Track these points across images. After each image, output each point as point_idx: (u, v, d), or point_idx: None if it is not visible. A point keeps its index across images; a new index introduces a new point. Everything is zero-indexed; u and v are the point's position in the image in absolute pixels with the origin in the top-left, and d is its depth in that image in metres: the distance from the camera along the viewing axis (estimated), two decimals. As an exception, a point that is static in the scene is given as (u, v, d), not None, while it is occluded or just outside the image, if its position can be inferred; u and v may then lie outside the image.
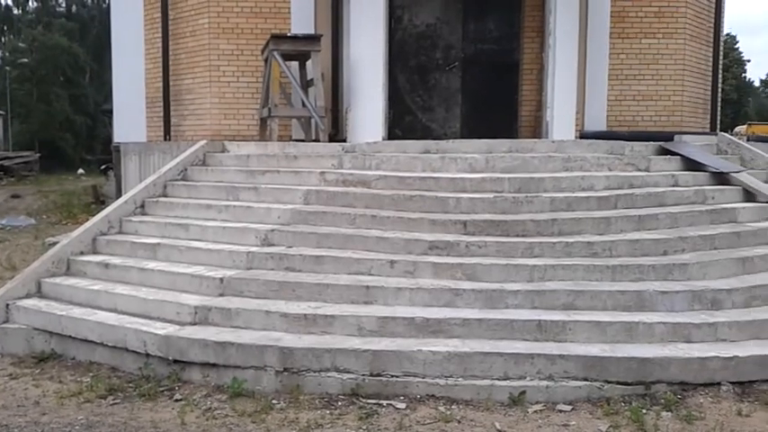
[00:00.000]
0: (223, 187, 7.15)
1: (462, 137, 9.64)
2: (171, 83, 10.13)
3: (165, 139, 10.12)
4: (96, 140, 42.45)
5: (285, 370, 4.58)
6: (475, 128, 9.88)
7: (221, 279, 5.44)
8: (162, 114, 10.21)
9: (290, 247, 5.82)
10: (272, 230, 6.00)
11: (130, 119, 10.67)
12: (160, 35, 10.12)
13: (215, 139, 9.11)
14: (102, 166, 21.33)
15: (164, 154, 9.03)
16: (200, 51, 9.80)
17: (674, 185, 6.91)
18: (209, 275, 5.55)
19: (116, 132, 11.06)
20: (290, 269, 5.54)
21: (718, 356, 4.50)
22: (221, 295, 5.37)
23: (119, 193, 10.42)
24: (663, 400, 4.32)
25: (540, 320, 4.79)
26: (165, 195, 7.50)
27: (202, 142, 8.11)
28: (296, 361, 4.57)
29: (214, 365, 4.76)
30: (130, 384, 4.84)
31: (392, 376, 4.50)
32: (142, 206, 7.30)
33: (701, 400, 4.34)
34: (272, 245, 5.91)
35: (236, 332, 4.91)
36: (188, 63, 9.99)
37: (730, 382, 4.47)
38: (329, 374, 4.53)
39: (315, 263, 5.53)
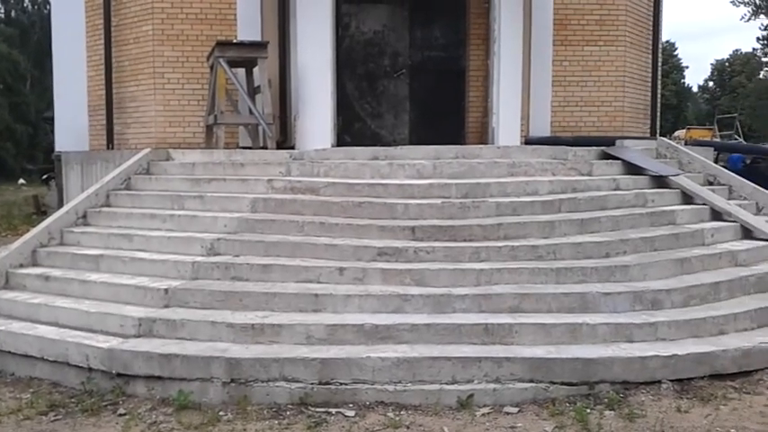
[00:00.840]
0: (168, 196, 7.03)
1: (411, 143, 9.72)
2: (114, 90, 9.95)
3: (108, 148, 9.93)
4: (38, 149, 41.20)
5: (232, 381, 4.53)
6: (423, 134, 9.96)
7: (166, 290, 5.35)
8: (105, 122, 10.02)
9: (237, 256, 5.76)
10: (219, 239, 5.93)
11: (72, 127, 10.44)
12: (102, 42, 9.95)
13: (160, 147, 8.97)
14: (44, 176, 20.73)
15: (107, 163, 8.84)
16: (143, 58, 9.65)
17: (615, 189, 7.07)
18: (154, 286, 5.45)
19: (57, 141, 10.80)
20: (237, 278, 5.48)
21: (658, 355, 4.62)
22: (166, 306, 5.28)
23: (60, 204, 10.14)
24: (606, 400, 4.41)
25: (487, 324, 4.84)
26: (108, 205, 7.34)
27: (146, 150, 7.97)
28: (243, 372, 4.52)
29: (159, 378, 4.67)
30: (72, 400, 4.71)
31: (341, 384, 4.49)
32: (84, 216, 7.12)
33: (643, 399, 4.45)
34: (219, 254, 5.83)
35: (181, 344, 4.83)
36: (131, 70, 9.82)
37: (670, 380, 4.58)
38: (277, 384, 4.49)
39: (262, 271, 5.48)
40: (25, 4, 46.34)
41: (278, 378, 4.50)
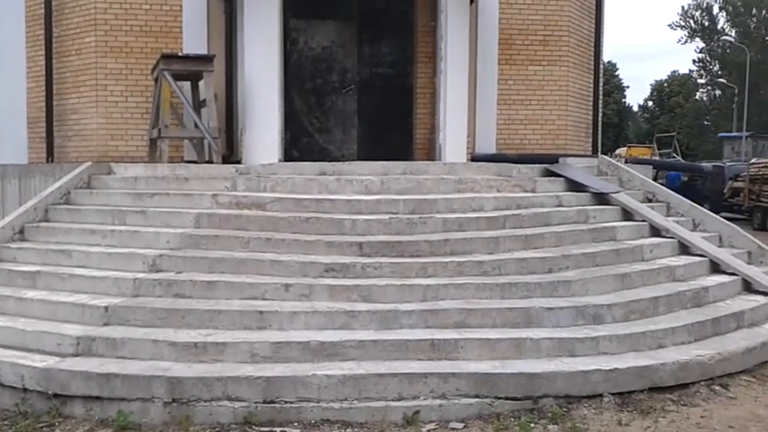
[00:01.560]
0: (109, 211, 6.86)
1: (359, 158, 9.73)
2: (55, 103, 9.68)
3: (48, 161, 9.64)
4: (-26, 161, 39.76)
5: (174, 401, 4.42)
6: (372, 150, 9.98)
7: (106, 307, 5.20)
8: (44, 135, 9.73)
9: (180, 272, 5.64)
10: (161, 256, 5.81)
11: (10, 140, 10.09)
12: (43, 53, 9.67)
13: (102, 160, 8.77)
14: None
15: (46, 176, 8.58)
16: (86, 70, 9.44)
17: (558, 206, 7.22)
18: (93, 304, 5.30)
19: (-5, 153, 10.42)
20: (180, 295, 5.37)
21: (599, 369, 4.71)
22: (106, 324, 5.14)
23: (-4, 218, 9.84)
24: (550, 414, 4.47)
25: (433, 339, 4.86)
26: (47, 220, 7.12)
27: (87, 164, 7.78)
28: (185, 391, 4.42)
29: (98, 398, 4.53)
30: (6, 422, 4.53)
31: (286, 402, 4.43)
32: (21, 232, 6.89)
33: (585, 412, 4.53)
34: (161, 270, 5.71)
35: (121, 363, 4.70)
36: (73, 82, 9.59)
37: (611, 393, 4.68)
38: (221, 403, 4.41)
39: (206, 288, 5.39)
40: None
41: (221, 397, 4.42)
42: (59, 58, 9.68)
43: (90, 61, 9.40)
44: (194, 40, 9.45)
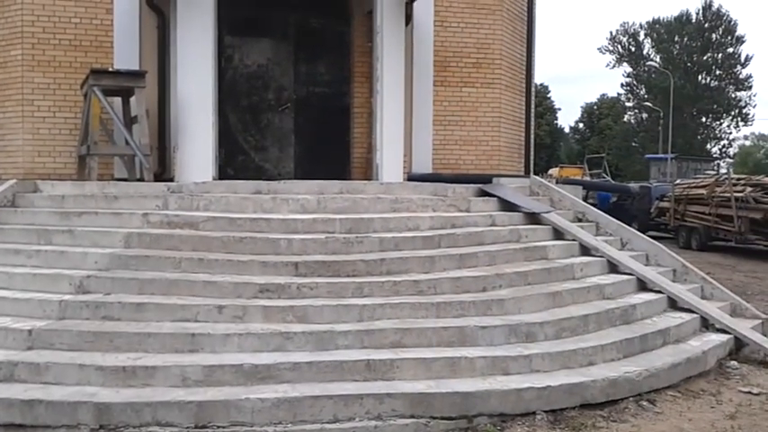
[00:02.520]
0: (34, 230, 6.60)
1: (296, 177, 9.69)
2: (-23, 117, 9.30)
3: (-31, 178, 9.23)
4: None
5: (101, 427, 4.26)
6: (309, 168, 9.96)
7: (30, 331, 4.99)
8: (-34, 151, 9.32)
9: (108, 294, 5.47)
10: (89, 277, 5.61)
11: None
12: (-35, 65, 9.30)
13: (27, 177, 8.46)
14: None
15: (-34, 194, 8.20)
16: (11, 84, 9.11)
17: (491, 225, 7.34)
18: (16, 327, 5.07)
19: None
20: (108, 318, 5.20)
21: (532, 387, 4.78)
22: (30, 348, 4.92)
23: None
24: (484, 432, 4.51)
25: (369, 360, 4.84)
26: (-33, 240, 6.80)
27: (11, 182, 7.49)
28: (113, 417, 4.27)
29: (21, 426, 4.32)
30: None
31: (219, 427, 4.33)
32: (-62, 252, 6.56)
33: (519, 430, 4.58)
34: (88, 292, 5.52)
35: (45, 388, 4.50)
36: (-2, 96, 9.24)
37: (544, 411, 4.75)
38: (150, 429, 4.26)
39: (135, 310, 5.23)
40: None
41: (151, 423, 4.29)
42: (-17, 71, 9.32)
43: (16, 75, 9.09)
44: (126, 55, 9.24)
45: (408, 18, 9.84)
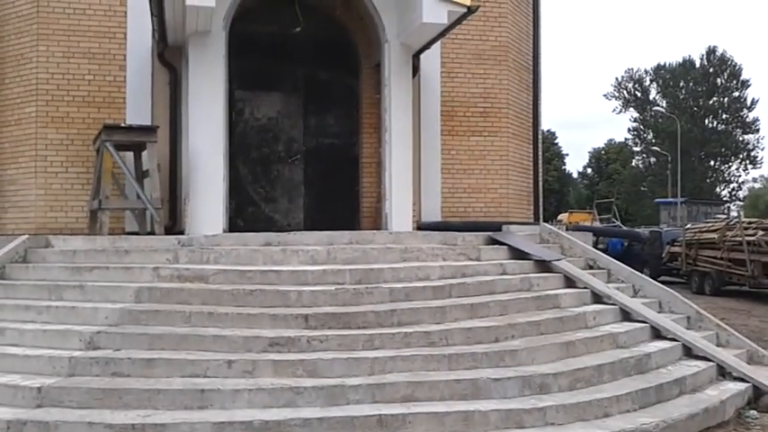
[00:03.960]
0: (45, 286, 6.62)
1: (306, 228, 9.72)
2: (-9, 173, 9.44)
3: (-17, 234, 9.31)
4: None
5: (109, 487, 4.20)
6: (318, 219, 10.00)
7: (39, 388, 4.96)
8: (-21, 207, 9.43)
9: (118, 350, 5.44)
10: (99, 332, 5.60)
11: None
12: (-19, 123, 9.48)
13: (40, 232, 8.53)
14: None
15: (-21, 250, 8.27)
16: (25, 141, 9.27)
17: (502, 274, 7.30)
18: (26, 385, 5.04)
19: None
20: (118, 374, 5.16)
21: (548, 440, 4.68)
22: (39, 406, 4.88)
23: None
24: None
25: (380, 415, 4.77)
26: (-21, 296, 6.82)
27: (23, 237, 7.55)
28: (122, 476, 4.21)
29: (27, 487, 4.27)
30: None
31: (228, 485, 4.26)
32: (-50, 308, 6.58)
33: (535, 486, 4.47)
34: (98, 348, 5.50)
35: (54, 448, 4.46)
36: (12, 152, 9.39)
37: (560, 465, 4.65)
38: (159, 489, 4.20)
39: (145, 366, 5.20)
40: None
41: (160, 482, 4.22)
42: (-2, 128, 9.49)
43: (30, 131, 9.25)
44: (138, 110, 9.41)
45: (415, 69, 9.99)
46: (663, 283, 8.60)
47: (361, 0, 9.51)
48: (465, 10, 8.73)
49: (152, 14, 8.49)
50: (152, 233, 8.38)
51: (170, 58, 9.46)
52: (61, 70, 9.30)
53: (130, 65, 9.45)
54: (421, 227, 9.87)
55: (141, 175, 8.75)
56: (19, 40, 9.42)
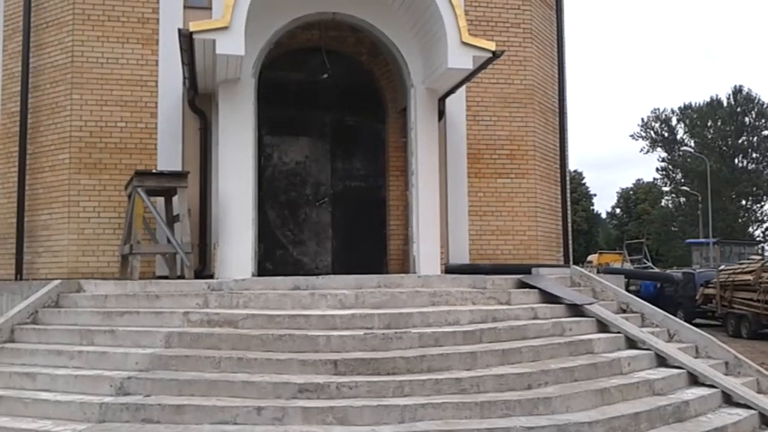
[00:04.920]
0: (77, 331, 6.67)
1: (334, 270, 9.72)
2: (26, 219, 9.62)
3: (17, 278, 9.45)
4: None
5: None
6: (346, 261, 10.00)
7: (69, 435, 4.96)
8: (14, 251, 9.58)
9: (149, 395, 5.43)
10: (129, 378, 5.60)
11: (-22, 255, 9.93)
12: (17, 170, 9.69)
13: (72, 277, 8.64)
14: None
15: (13, 295, 8.39)
16: (59, 186, 9.47)
17: (533, 318, 7.19)
18: (56, 431, 5.04)
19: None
20: (148, 420, 5.14)
21: (585, 492, 4.54)
22: (69, 454, 4.88)
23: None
24: None
25: (412, 464, 4.67)
26: (13, 341, 6.90)
27: (56, 282, 7.64)
28: None
29: None
30: None
31: None
32: (-16, 354, 6.65)
33: None
34: (129, 394, 5.49)
35: (83, 496, 4.42)
36: (46, 198, 9.58)
37: None
38: None
39: (175, 412, 5.17)
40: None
41: None
42: (33, 175, 9.70)
43: (63, 178, 9.45)
44: (169, 156, 9.59)
45: (441, 113, 10.07)
46: (697, 325, 8.41)
47: (387, 46, 9.66)
48: (490, 55, 8.81)
49: (183, 63, 8.69)
50: (182, 277, 8.44)
51: (200, 104, 9.66)
52: (94, 118, 9.52)
53: (162, 112, 9.66)
54: (449, 269, 9.81)
55: (172, 220, 8.85)
56: (54, 89, 9.70)
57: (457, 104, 10.50)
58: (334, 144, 10.35)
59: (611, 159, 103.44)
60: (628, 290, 11.81)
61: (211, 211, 9.45)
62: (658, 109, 65.82)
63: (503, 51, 9.20)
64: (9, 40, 10.16)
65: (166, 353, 5.97)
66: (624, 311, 8.22)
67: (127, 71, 9.64)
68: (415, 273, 9.24)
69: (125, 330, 6.48)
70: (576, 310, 7.56)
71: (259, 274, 8.83)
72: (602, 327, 7.38)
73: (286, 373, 5.67)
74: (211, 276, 8.83)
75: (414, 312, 6.65)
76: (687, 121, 61.68)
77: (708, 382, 6.59)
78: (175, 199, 8.78)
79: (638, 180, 68.84)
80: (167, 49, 9.53)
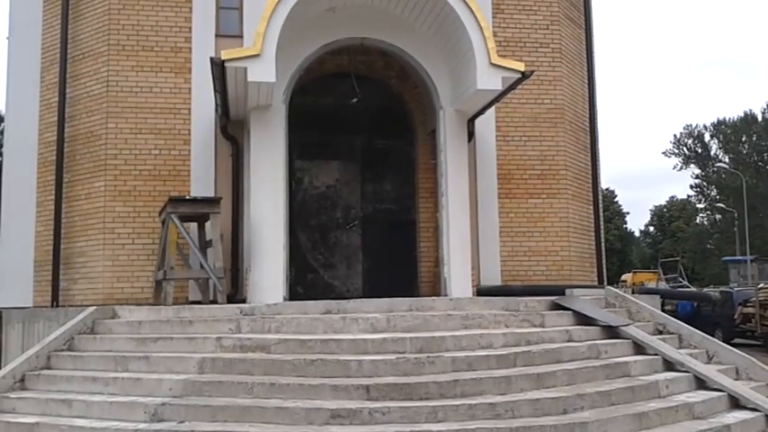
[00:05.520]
0: (112, 357, 6.74)
1: (365, 293, 9.71)
2: (62, 246, 9.80)
3: (53, 304, 9.61)
4: (-22, 301, 39.66)
5: None
6: (377, 284, 9.99)
7: (105, 462, 4.99)
8: (51, 279, 9.75)
9: (182, 422, 5.45)
10: (163, 404, 5.63)
11: (17, 282, 10.13)
12: (53, 198, 9.89)
13: (107, 303, 8.76)
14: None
15: (50, 321, 8.53)
16: (94, 214, 9.63)
17: (568, 341, 7.08)
18: (92, 458, 5.09)
19: (0, 297, 10.38)
20: (182, 447, 5.16)
21: None
22: (104, 481, 4.91)
23: (-2, 361, 9.72)
24: None
25: (446, 491, 4.61)
26: (49, 368, 7.00)
27: (91, 309, 7.74)
28: None
29: None
30: None
31: None
32: (22, 380, 6.75)
33: None
34: (162, 420, 5.52)
35: None
36: (82, 226, 9.75)
37: None
38: None
39: (209, 439, 5.19)
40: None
41: None
42: (69, 203, 9.89)
43: (99, 205, 9.61)
44: (202, 182, 9.72)
45: (470, 134, 10.06)
46: (736, 346, 8.20)
47: (416, 70, 9.71)
48: (519, 76, 8.80)
49: (215, 91, 8.83)
50: (214, 302, 8.50)
51: (232, 131, 9.78)
52: (129, 146, 9.70)
53: (195, 139, 9.81)
54: (481, 291, 9.73)
55: (205, 245, 8.94)
56: (89, 119, 9.92)
57: (486, 125, 10.49)
58: (364, 167, 10.40)
59: (644, 177, 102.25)
60: (664, 309, 11.59)
61: (243, 236, 9.53)
62: (691, 125, 64.99)
63: (532, 72, 9.19)
64: (46, 71, 10.43)
65: (200, 379, 6.00)
66: (661, 333, 8.06)
67: (161, 99, 9.82)
68: (446, 295, 9.18)
69: (159, 356, 6.53)
70: (611, 331, 7.43)
71: (290, 298, 8.86)
72: (639, 349, 7.24)
73: (318, 398, 5.65)
74: (244, 300, 8.88)
75: (446, 336, 6.59)
76: (721, 137, 60.72)
77: (750, 406, 6.41)
78: (208, 224, 8.88)
79: (672, 197, 67.89)
80: (200, 77, 9.71)
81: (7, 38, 10.83)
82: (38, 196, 10.25)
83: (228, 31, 10.11)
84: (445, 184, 9.53)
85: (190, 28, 9.99)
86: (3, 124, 25.03)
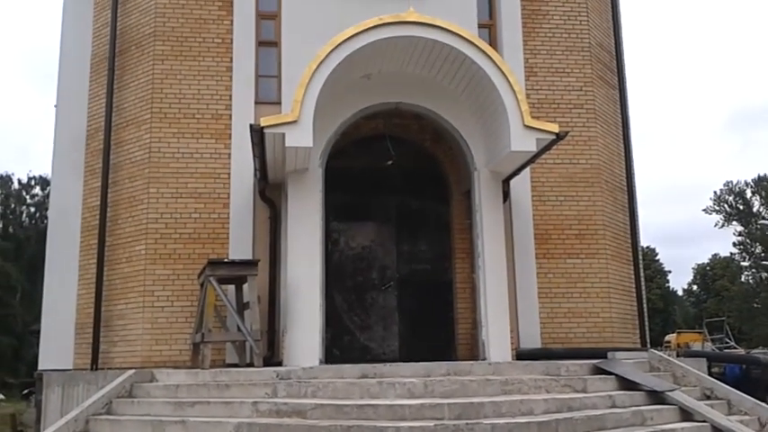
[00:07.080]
0: (149, 421, 6.73)
1: (401, 356, 9.60)
2: (103, 308, 9.93)
3: (93, 367, 9.69)
4: (21, 362, 40.27)
5: None
6: (413, 346, 9.88)
7: None
8: (91, 341, 9.86)
9: (219, 489, 5.40)
10: (200, 470, 5.60)
11: (58, 345, 10.26)
12: (95, 261, 10.09)
13: (145, 365, 8.80)
14: (25, 391, 20.06)
15: (89, 385, 8.60)
16: (135, 277, 9.78)
17: (612, 407, 6.87)
18: None
19: (42, 357, 10.51)
20: None
21: None
22: None
23: (38, 424, 9.75)
24: None
25: None
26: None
27: (130, 372, 7.79)
28: None
29: None
30: None
31: None
32: (60, 445, 6.78)
33: None
34: (200, 487, 5.48)
35: None
36: (122, 288, 9.90)
37: None
38: None
39: (244, 507, 5.10)
40: (23, 219, 47.80)
41: None
42: (110, 266, 10.08)
43: (139, 268, 9.77)
44: (240, 245, 9.83)
45: (506, 195, 10.05)
46: (790, 413, 7.84)
47: (450, 132, 9.80)
48: (554, 137, 8.83)
49: (254, 156, 9.01)
50: (251, 364, 8.48)
51: (270, 194, 9.94)
52: (170, 210, 9.91)
53: (234, 202, 9.99)
54: (520, 354, 9.55)
55: (242, 308, 8.99)
56: (132, 184, 10.19)
57: (522, 185, 10.48)
58: (399, 228, 10.42)
59: (685, 234, 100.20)
60: (711, 373, 11.20)
61: (280, 298, 9.56)
62: (731, 181, 63.93)
63: (566, 132, 9.21)
64: (92, 138, 10.79)
65: (236, 444, 5.95)
66: (708, 398, 7.78)
67: (201, 165, 10.06)
68: (484, 358, 9.03)
69: (196, 421, 6.50)
70: (656, 397, 7.20)
71: (326, 361, 8.80)
72: (686, 415, 6.98)
73: (355, 465, 5.54)
74: (280, 363, 8.85)
75: (485, 402, 6.44)
76: (763, 193, 59.55)
77: (807, 477, 6.10)
78: (246, 287, 8.94)
79: (715, 255, 66.28)
80: (239, 143, 9.94)
81: (55, 106, 11.29)
82: (80, 259, 10.47)
83: (267, 98, 10.39)
84: (481, 244, 9.48)
85: (230, 96, 10.29)
86: (48, 188, 25.88)
